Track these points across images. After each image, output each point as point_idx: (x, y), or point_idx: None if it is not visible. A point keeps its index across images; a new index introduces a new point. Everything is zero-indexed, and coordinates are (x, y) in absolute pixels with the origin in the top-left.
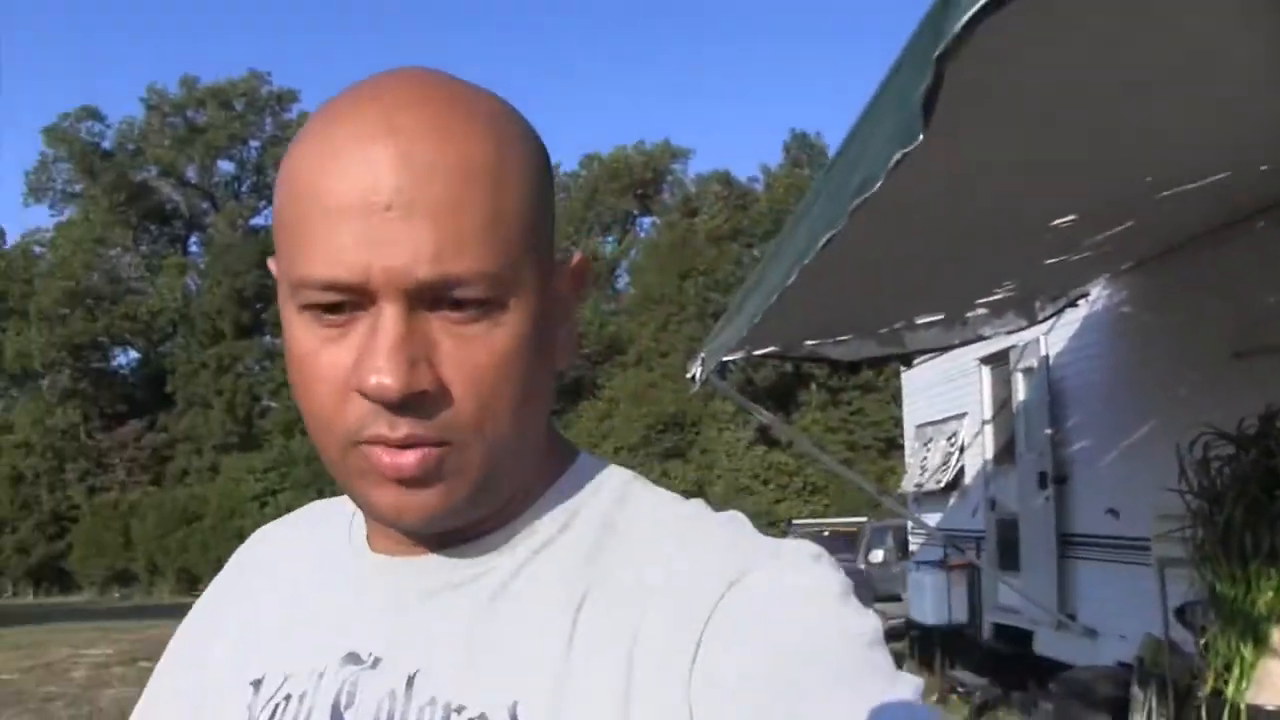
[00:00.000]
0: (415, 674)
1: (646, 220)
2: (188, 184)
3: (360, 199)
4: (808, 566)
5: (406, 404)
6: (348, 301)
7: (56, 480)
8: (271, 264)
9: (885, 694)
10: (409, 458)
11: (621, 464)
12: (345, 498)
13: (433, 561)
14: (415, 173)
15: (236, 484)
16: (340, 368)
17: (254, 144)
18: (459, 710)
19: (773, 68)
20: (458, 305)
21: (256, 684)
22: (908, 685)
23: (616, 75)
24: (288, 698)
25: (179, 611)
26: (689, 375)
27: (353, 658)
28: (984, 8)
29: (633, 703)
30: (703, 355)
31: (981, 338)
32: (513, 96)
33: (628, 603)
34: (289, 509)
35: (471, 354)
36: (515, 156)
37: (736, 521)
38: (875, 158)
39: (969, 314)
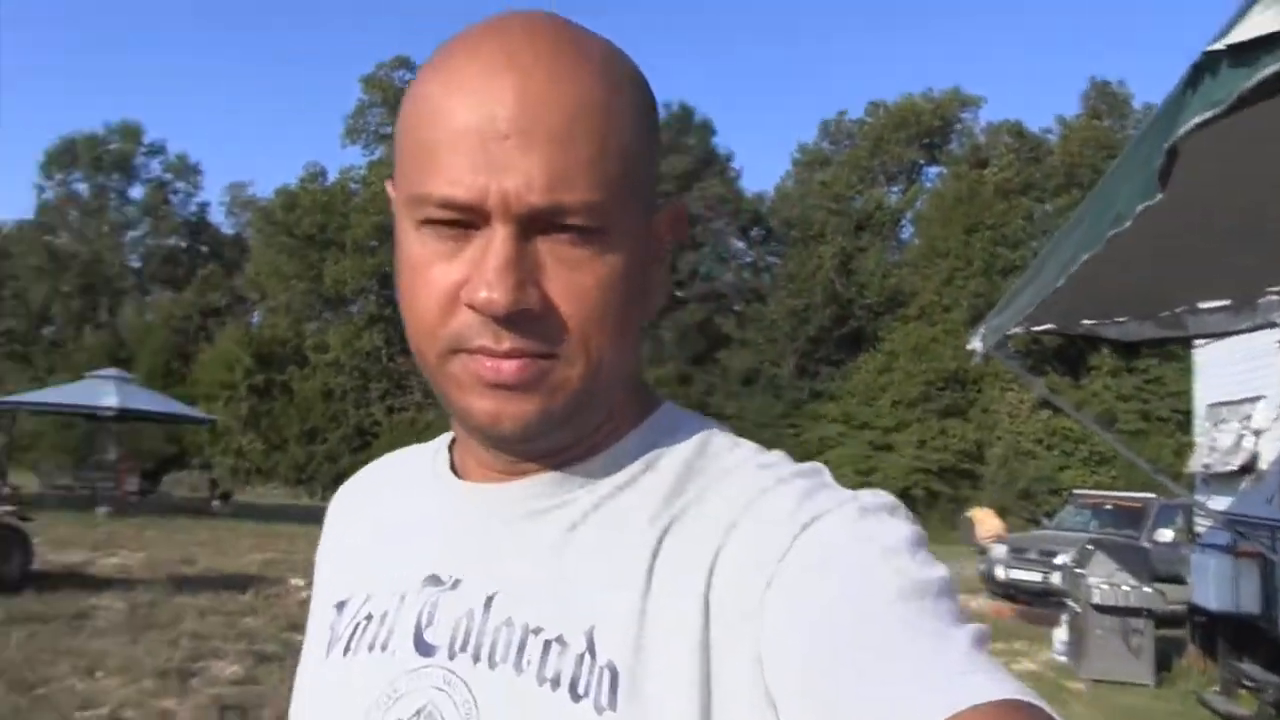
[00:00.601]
0: (494, 595)
1: (933, 170)
2: None
3: (481, 126)
4: (880, 516)
5: (512, 319)
6: (463, 220)
7: (361, 397)
8: (389, 186)
9: (944, 637)
10: (511, 365)
11: (899, 420)
12: (426, 444)
13: (517, 489)
14: (532, 106)
15: None
16: (451, 280)
17: None
18: (536, 631)
19: (1073, 11)
20: (565, 232)
21: (340, 605)
22: (967, 633)
23: (905, 20)
24: (369, 617)
25: None
26: (968, 348)
27: (434, 580)
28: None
29: (709, 635)
30: (983, 330)
31: (1273, 324)
32: (798, 43)
33: (705, 541)
34: None
35: (576, 278)
36: (623, 97)
37: (817, 471)
38: (1126, 201)
39: (1260, 300)
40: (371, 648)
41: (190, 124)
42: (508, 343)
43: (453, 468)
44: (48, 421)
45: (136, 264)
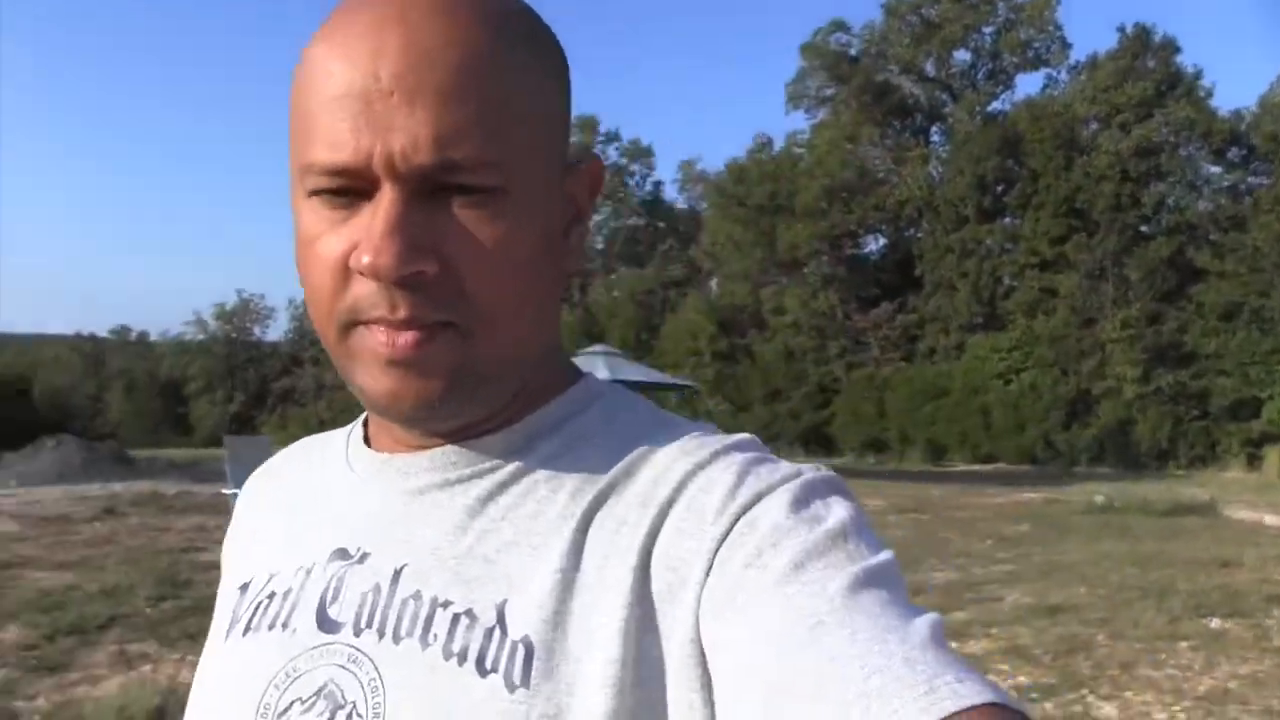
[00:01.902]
0: (402, 568)
1: None
2: (926, 78)
3: (364, 85)
4: (823, 496)
5: (406, 284)
6: (351, 188)
7: (820, 356)
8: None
9: (905, 632)
10: (407, 337)
11: None
12: (344, 426)
13: (428, 460)
14: (420, 60)
15: (981, 362)
16: (341, 250)
17: (987, 30)
18: (445, 605)
19: None
20: (462, 194)
21: (243, 587)
22: (926, 624)
23: None
24: (271, 595)
25: (928, 478)
26: None
27: (341, 554)
28: None
29: (639, 615)
30: None
31: None
32: None
33: (637, 518)
34: (1031, 388)
35: (477, 242)
36: (522, 53)
37: (752, 443)
38: None
39: None
40: (272, 626)
41: (640, 110)
42: (403, 310)
43: (366, 441)
44: None
45: (601, 246)
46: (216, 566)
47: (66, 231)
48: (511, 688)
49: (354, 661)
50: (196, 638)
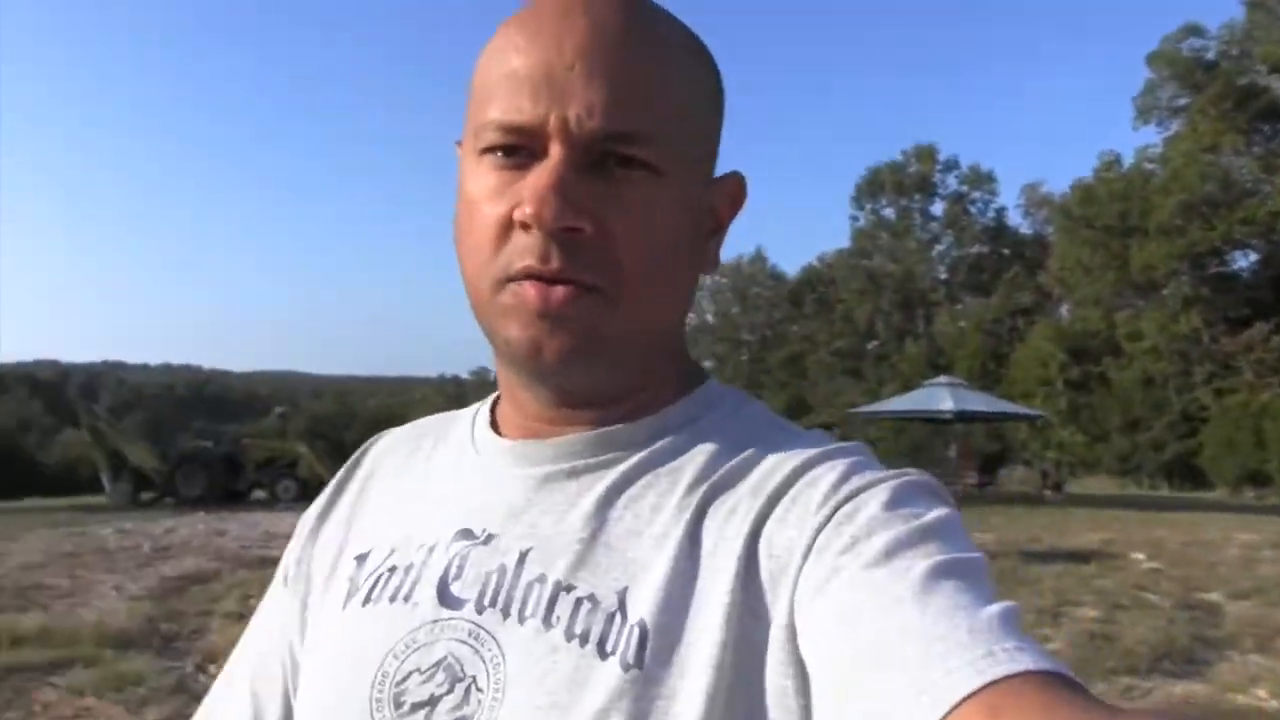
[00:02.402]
0: (528, 551)
1: None
2: None
3: (548, 57)
4: (921, 495)
5: (563, 239)
6: (524, 147)
7: (1184, 383)
8: (458, 150)
9: (978, 611)
10: (559, 292)
11: None
12: (469, 407)
13: (554, 448)
14: (601, 40)
15: None
16: (507, 208)
17: None
18: (568, 589)
19: None
20: (625, 167)
21: (361, 558)
22: (1001, 609)
23: None
24: (393, 569)
25: None
26: None
27: (466, 534)
28: None
29: (743, 601)
30: None
31: None
32: None
33: (746, 510)
34: None
35: (631, 210)
36: (689, 63)
37: (860, 449)
38: None
39: None
40: (394, 599)
41: (979, 135)
42: (555, 262)
43: (494, 427)
44: (886, 427)
45: (944, 275)
46: None
47: (436, 281)
48: (627, 668)
49: (475, 638)
50: None
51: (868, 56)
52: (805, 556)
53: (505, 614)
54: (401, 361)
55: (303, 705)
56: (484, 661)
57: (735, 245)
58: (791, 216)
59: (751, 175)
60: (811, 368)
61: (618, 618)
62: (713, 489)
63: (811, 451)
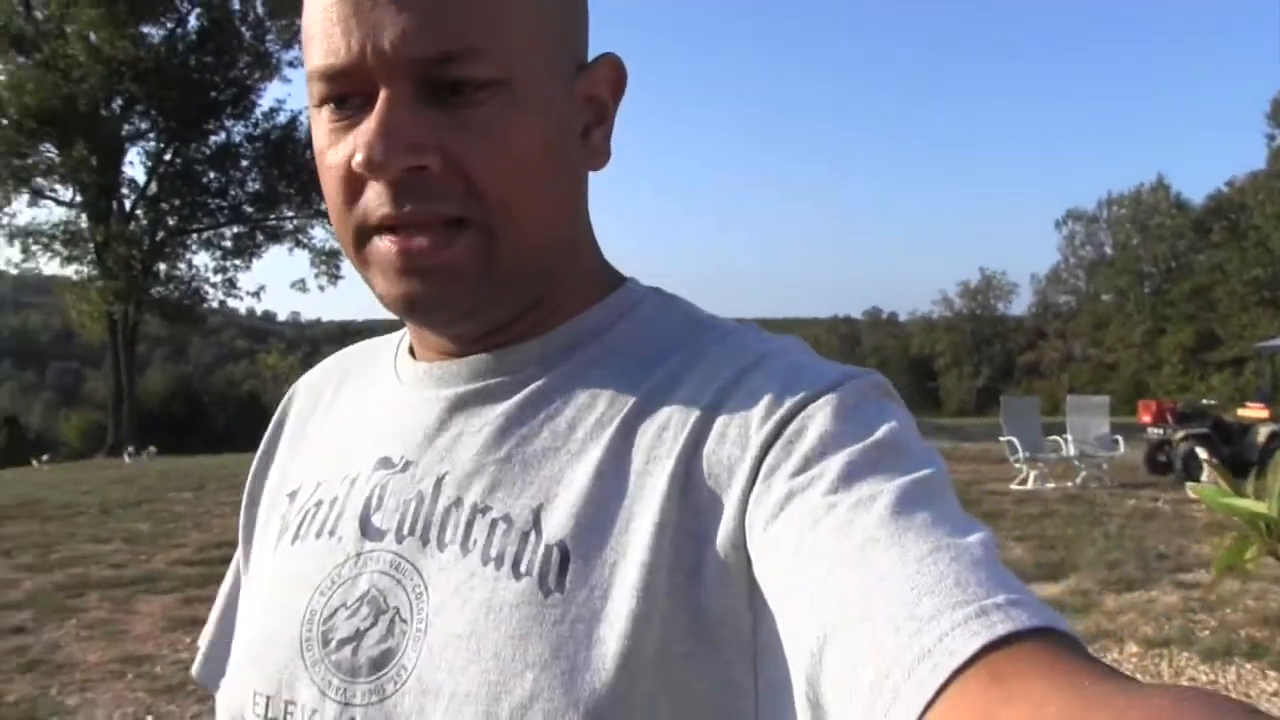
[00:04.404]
0: (444, 476)
1: None
2: None
3: None
4: (873, 400)
5: (408, 183)
6: (354, 93)
7: None
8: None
9: (957, 550)
10: (420, 240)
11: None
12: (394, 333)
13: (465, 367)
14: None
15: None
16: (345, 157)
17: None
18: (484, 511)
19: None
20: (466, 89)
21: (292, 495)
22: (979, 541)
23: None
24: (319, 503)
25: None
26: None
27: (384, 462)
28: None
29: (681, 521)
30: None
31: None
32: None
33: (680, 424)
34: None
35: (479, 132)
36: None
37: (799, 346)
38: None
39: None
40: (320, 534)
41: None
42: (408, 205)
43: (411, 351)
44: None
45: None
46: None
47: (829, 229)
48: (547, 592)
49: (397, 569)
50: None
51: None
52: (752, 479)
53: (424, 541)
54: (794, 305)
55: (238, 649)
56: (406, 592)
57: (1135, 174)
58: (1196, 140)
59: (1150, 100)
60: (1222, 299)
61: (531, 536)
62: (640, 403)
63: (746, 356)
